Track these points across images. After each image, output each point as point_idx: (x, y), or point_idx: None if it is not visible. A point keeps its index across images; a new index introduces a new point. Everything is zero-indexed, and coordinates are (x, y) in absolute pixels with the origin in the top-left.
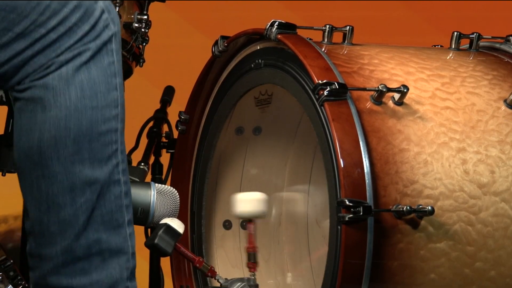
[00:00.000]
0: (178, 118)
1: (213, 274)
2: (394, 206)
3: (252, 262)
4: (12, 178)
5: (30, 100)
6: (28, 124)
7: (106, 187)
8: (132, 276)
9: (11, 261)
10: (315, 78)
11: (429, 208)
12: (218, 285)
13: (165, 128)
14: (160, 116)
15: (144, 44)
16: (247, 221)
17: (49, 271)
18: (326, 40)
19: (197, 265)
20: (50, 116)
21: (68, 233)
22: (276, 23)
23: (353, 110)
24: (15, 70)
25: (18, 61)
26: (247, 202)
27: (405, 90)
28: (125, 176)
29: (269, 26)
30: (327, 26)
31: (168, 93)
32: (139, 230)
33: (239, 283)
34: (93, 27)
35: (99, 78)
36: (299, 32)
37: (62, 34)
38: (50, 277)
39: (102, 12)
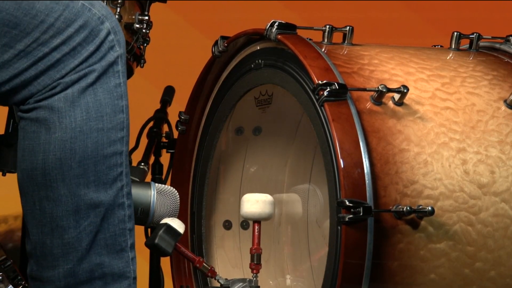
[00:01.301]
0: (178, 118)
1: (213, 274)
2: (394, 207)
3: (255, 263)
4: (12, 178)
5: (35, 120)
6: (32, 145)
7: (110, 211)
8: None
9: (11, 261)
10: (315, 79)
11: (429, 208)
12: (218, 285)
13: (165, 128)
14: (160, 116)
15: (145, 44)
16: (253, 222)
17: None
18: (326, 41)
19: (197, 265)
20: (55, 138)
21: (71, 257)
22: (276, 24)
23: (353, 111)
24: (17, 90)
25: (20, 81)
26: (256, 203)
27: (405, 91)
28: (129, 200)
29: (269, 27)
30: (327, 26)
31: (168, 93)
32: (139, 230)
33: (240, 284)
34: (98, 48)
35: (106, 100)
36: (299, 32)
37: (66, 54)
38: None
39: (108, 33)
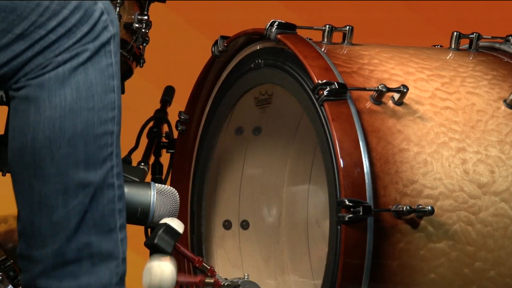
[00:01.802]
0: (178, 118)
1: (213, 274)
2: (394, 206)
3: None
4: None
5: (25, 99)
6: (21, 124)
7: (99, 191)
8: (121, 282)
9: (11, 261)
10: (315, 78)
11: (429, 208)
12: (218, 285)
13: (165, 128)
14: (160, 116)
15: (145, 44)
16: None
17: (39, 273)
18: (326, 40)
19: (197, 265)
20: (44, 117)
21: (59, 236)
22: (276, 23)
23: (353, 110)
24: (14, 71)
25: (17, 62)
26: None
27: (405, 90)
28: (119, 180)
29: (268, 26)
30: (327, 26)
31: (168, 93)
32: (139, 230)
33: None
34: (92, 28)
35: (96, 79)
36: (299, 32)
37: (61, 35)
38: (39, 280)
39: (102, 13)
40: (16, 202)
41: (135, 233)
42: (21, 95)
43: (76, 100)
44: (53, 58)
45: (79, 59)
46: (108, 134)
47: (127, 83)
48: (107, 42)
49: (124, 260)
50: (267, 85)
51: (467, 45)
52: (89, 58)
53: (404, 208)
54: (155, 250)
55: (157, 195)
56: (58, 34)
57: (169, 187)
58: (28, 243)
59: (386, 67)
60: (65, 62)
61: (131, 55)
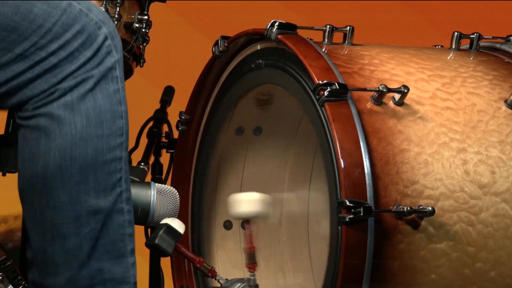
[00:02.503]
0: (178, 118)
1: (214, 274)
2: (395, 207)
3: (252, 262)
4: (12, 179)
5: (35, 128)
6: (32, 153)
7: (109, 217)
8: None
9: (11, 261)
10: (316, 79)
11: (430, 208)
12: (219, 285)
13: (165, 128)
14: (160, 116)
15: (145, 44)
16: (243, 221)
17: None
18: (326, 41)
19: (198, 265)
20: (55, 145)
21: (72, 263)
22: (277, 23)
23: (354, 111)
24: (13, 92)
25: (16, 83)
26: (242, 202)
27: (405, 91)
28: (129, 205)
29: (269, 26)
30: (328, 26)
31: (168, 93)
32: (139, 230)
33: (239, 284)
34: (95, 53)
35: (105, 106)
36: (300, 32)
37: (63, 58)
38: None
39: (105, 38)
40: (27, 229)
41: (136, 233)
42: (31, 125)
43: (86, 128)
44: (58, 84)
45: (86, 86)
46: (117, 160)
47: (127, 83)
48: (112, 67)
49: (135, 284)
50: (268, 85)
51: (468, 45)
52: (96, 84)
53: (405, 209)
54: (155, 250)
55: (157, 195)
56: (60, 58)
57: (169, 187)
58: (41, 271)
59: (386, 68)
60: (71, 89)
61: (131, 55)
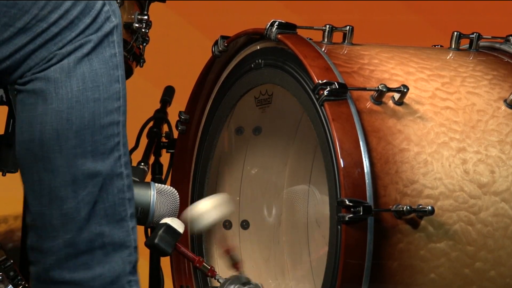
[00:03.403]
0: (178, 118)
1: (213, 274)
2: (394, 206)
3: (236, 262)
4: (12, 179)
5: (32, 92)
6: (29, 117)
7: (108, 180)
8: (134, 270)
9: (11, 261)
10: (315, 78)
11: (429, 208)
12: (218, 285)
13: (165, 128)
14: (160, 116)
15: (145, 44)
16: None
17: (51, 265)
18: (326, 40)
19: (197, 265)
20: (51, 109)
21: (71, 227)
22: (276, 23)
23: (353, 110)
24: (17, 65)
25: (20, 55)
26: (203, 215)
27: (405, 90)
28: (128, 170)
29: (269, 26)
30: (327, 26)
31: (168, 93)
32: (139, 230)
33: (232, 286)
34: (94, 19)
35: (101, 70)
36: (299, 32)
37: (64, 27)
38: (52, 271)
39: (103, 4)
40: (25, 194)
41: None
42: (28, 89)
43: (82, 91)
44: (57, 50)
45: (83, 50)
46: (114, 124)
47: (127, 83)
48: (110, 32)
49: (136, 248)
50: (267, 85)
51: (467, 45)
52: (93, 49)
53: (405, 208)
54: (155, 250)
55: (157, 195)
56: (60, 27)
57: (169, 187)
58: (39, 235)
59: (386, 67)
60: (69, 54)
61: (131, 55)
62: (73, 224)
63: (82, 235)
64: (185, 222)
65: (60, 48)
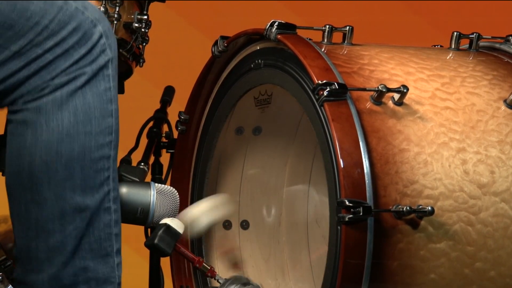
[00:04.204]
0: (178, 118)
1: (213, 274)
2: (394, 206)
3: (235, 263)
4: None
5: (22, 123)
6: (18, 148)
7: (96, 215)
8: None
9: (11, 261)
10: (315, 78)
11: (429, 208)
12: (218, 285)
13: (165, 128)
14: (160, 116)
15: (144, 44)
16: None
17: None
18: (326, 40)
19: (197, 265)
20: (41, 140)
21: (56, 261)
22: (276, 23)
23: (353, 110)
24: (10, 90)
25: (14, 80)
26: (201, 217)
27: (405, 90)
28: (116, 204)
29: (269, 26)
30: (327, 26)
31: (168, 93)
32: (139, 230)
33: (233, 285)
34: (89, 51)
35: (95, 103)
36: (299, 32)
37: (59, 55)
38: None
39: (100, 36)
40: (12, 227)
41: (135, 233)
42: (19, 119)
43: (74, 124)
44: (50, 81)
45: (77, 82)
46: (105, 159)
47: (127, 83)
48: (105, 66)
49: (119, 285)
50: (267, 85)
51: (467, 45)
52: (87, 82)
53: (404, 209)
54: (155, 250)
55: (157, 195)
56: (55, 55)
57: (169, 187)
58: (24, 268)
59: (386, 67)
60: (62, 85)
61: (131, 54)
62: (59, 258)
63: (67, 270)
64: (184, 224)
65: (53, 78)
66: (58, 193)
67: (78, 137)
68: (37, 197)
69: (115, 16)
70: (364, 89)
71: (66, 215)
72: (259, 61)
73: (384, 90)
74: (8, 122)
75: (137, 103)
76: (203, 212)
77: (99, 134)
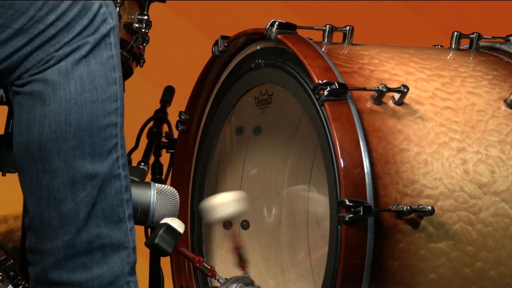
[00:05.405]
0: (178, 118)
1: (213, 274)
2: (394, 206)
3: (242, 261)
4: (12, 178)
5: (30, 94)
6: (27, 119)
7: (107, 182)
8: (133, 271)
9: (11, 261)
10: (315, 78)
11: (429, 208)
12: (218, 285)
13: (165, 128)
14: (160, 116)
15: (145, 44)
16: (227, 223)
17: (50, 266)
18: (326, 40)
19: (197, 265)
20: (50, 111)
21: (69, 228)
22: (276, 23)
23: (353, 110)
24: (15, 66)
25: (17, 57)
26: (220, 206)
27: (405, 90)
28: (125, 171)
29: (269, 26)
30: (327, 26)
31: (168, 93)
32: (139, 230)
33: (235, 284)
34: (91, 21)
35: (99, 72)
36: (299, 32)
37: (61, 29)
38: (51, 272)
39: (100, 6)
40: (23, 195)
41: (135, 233)
42: (26, 91)
43: (80, 93)
44: (54, 52)
45: (80, 52)
46: (112, 126)
47: (127, 83)
48: (107, 34)
49: (134, 249)
50: (268, 85)
51: (468, 45)
52: (90, 51)
53: (405, 208)
54: (155, 250)
55: (157, 195)
56: (57, 28)
57: (169, 187)
58: (38, 236)
59: (386, 67)
60: (66, 56)
61: (131, 55)
62: (72, 226)
63: (81, 236)
64: (201, 211)
65: (57, 50)
66: (68, 162)
67: (85, 106)
68: (48, 167)
69: None
70: (365, 89)
71: (77, 182)
72: (260, 61)
73: (384, 89)
74: (15, 94)
75: (137, 103)
76: (224, 202)
77: (105, 101)
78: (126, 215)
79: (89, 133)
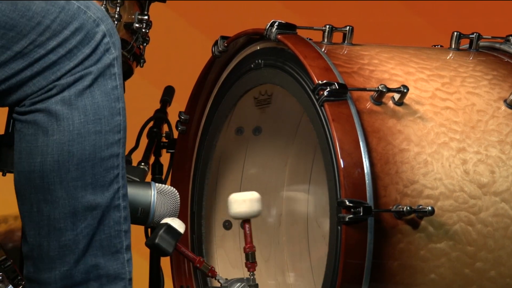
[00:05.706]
0: (178, 118)
1: (213, 274)
2: (394, 206)
3: (250, 262)
4: (12, 179)
5: (32, 123)
6: (29, 148)
7: (106, 212)
8: None
9: (11, 261)
10: (315, 79)
11: (429, 208)
12: (219, 285)
13: (165, 128)
14: (160, 116)
15: (145, 44)
16: (243, 221)
17: None
18: (326, 40)
19: (198, 265)
20: (53, 141)
21: (68, 259)
22: (276, 23)
23: (353, 110)
24: (13, 90)
25: (16, 80)
26: (242, 202)
27: (405, 90)
28: (125, 202)
29: (269, 26)
30: (327, 26)
31: (168, 93)
32: (139, 230)
33: (238, 284)
34: (93, 50)
35: (103, 102)
36: (299, 32)
37: (62, 56)
38: None
39: (104, 36)
40: (22, 224)
41: (135, 233)
42: (28, 120)
43: (84, 124)
44: (56, 81)
45: (84, 82)
46: (114, 157)
47: (127, 83)
48: (111, 64)
49: (130, 280)
50: (267, 85)
51: (467, 45)
52: (94, 81)
53: (405, 209)
54: (156, 250)
55: (158, 195)
56: (59, 55)
57: (170, 187)
58: (36, 266)
59: (386, 67)
60: (69, 85)
61: (131, 55)
62: (71, 256)
63: (79, 267)
64: (231, 203)
65: (59, 79)
66: (70, 192)
67: (88, 137)
68: (49, 197)
69: (116, 16)
70: (364, 89)
71: (78, 213)
72: (259, 61)
73: (384, 90)
74: (17, 122)
75: (137, 103)
76: (245, 199)
77: (109, 132)
78: (123, 246)
79: (92, 164)
